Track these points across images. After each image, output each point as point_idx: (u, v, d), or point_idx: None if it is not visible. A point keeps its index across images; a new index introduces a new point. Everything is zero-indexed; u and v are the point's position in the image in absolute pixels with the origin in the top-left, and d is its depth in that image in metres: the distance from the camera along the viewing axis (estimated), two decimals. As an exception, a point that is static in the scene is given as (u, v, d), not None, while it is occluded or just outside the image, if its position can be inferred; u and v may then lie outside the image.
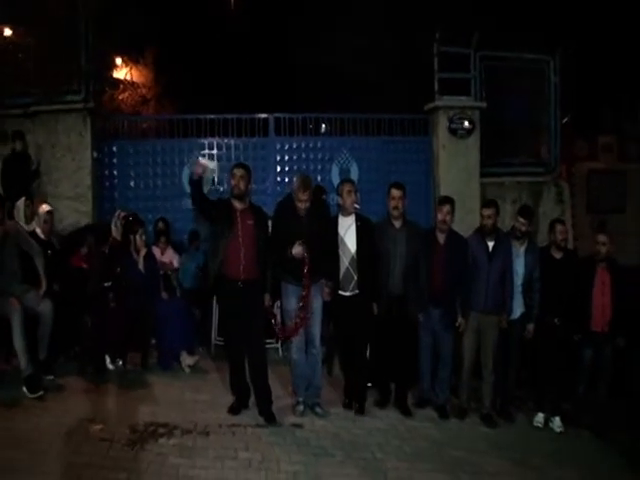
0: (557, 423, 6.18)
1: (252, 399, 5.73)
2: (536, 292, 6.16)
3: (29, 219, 6.73)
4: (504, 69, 9.70)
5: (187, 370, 6.74)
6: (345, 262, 5.81)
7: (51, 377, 6.14)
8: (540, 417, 6.25)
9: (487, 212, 6.12)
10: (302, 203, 5.56)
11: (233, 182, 5.51)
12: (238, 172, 5.53)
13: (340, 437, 5.40)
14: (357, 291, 5.83)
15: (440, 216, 6.06)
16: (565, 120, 11.53)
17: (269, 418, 5.50)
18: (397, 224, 6.00)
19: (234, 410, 5.67)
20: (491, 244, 6.08)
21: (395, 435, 5.56)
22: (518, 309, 6.19)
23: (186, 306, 7.25)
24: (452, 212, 6.09)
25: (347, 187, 5.91)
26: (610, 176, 12.65)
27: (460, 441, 5.64)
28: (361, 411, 5.92)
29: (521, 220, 6.22)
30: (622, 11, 14.05)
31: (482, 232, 6.15)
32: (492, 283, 6.02)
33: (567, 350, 6.21)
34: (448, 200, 6.21)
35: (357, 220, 5.87)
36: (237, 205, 5.54)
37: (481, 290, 6.02)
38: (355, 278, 5.81)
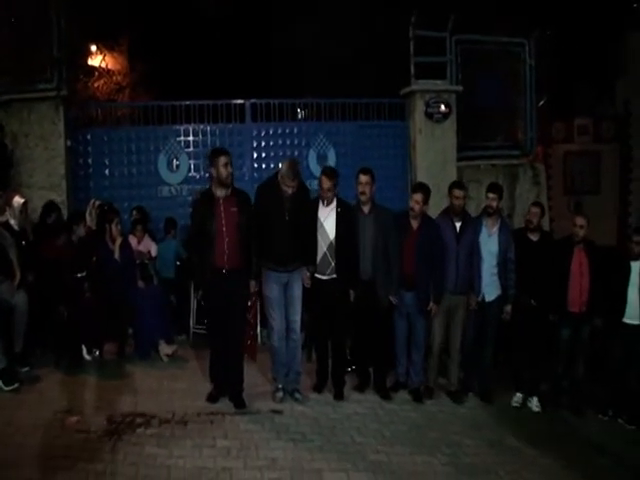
0: (535, 403, 6.28)
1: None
2: (511, 272, 6.22)
3: (2, 210, 6.62)
4: (480, 52, 9.66)
5: (165, 359, 6.71)
6: (323, 247, 5.81)
7: (27, 369, 6.09)
8: (518, 397, 6.34)
9: (458, 193, 6.18)
10: (289, 188, 5.51)
11: (226, 171, 5.37)
12: (227, 159, 5.40)
13: (319, 422, 5.42)
14: (334, 276, 5.84)
15: (410, 203, 6.09)
16: (541, 103, 11.56)
17: (239, 404, 5.52)
18: (365, 209, 6.01)
19: (212, 398, 5.65)
20: (458, 225, 6.15)
21: (374, 419, 5.60)
22: (494, 291, 6.24)
23: (163, 295, 7.21)
24: (426, 200, 6.09)
25: (325, 182, 5.80)
26: (586, 158, 12.75)
27: (438, 423, 5.70)
28: (340, 396, 5.95)
29: (491, 195, 6.30)
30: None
31: (450, 213, 6.21)
32: (461, 263, 6.10)
33: (544, 330, 6.28)
34: (420, 188, 6.21)
35: (338, 206, 5.86)
36: (219, 193, 5.45)
37: (451, 270, 6.09)
38: (332, 264, 5.82)
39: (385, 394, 6.10)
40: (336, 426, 5.37)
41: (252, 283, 5.66)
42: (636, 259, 6.17)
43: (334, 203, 5.87)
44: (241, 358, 5.66)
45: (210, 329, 5.93)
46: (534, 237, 6.31)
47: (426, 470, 4.79)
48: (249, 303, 6.02)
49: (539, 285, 6.14)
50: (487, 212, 6.31)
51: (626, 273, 6.17)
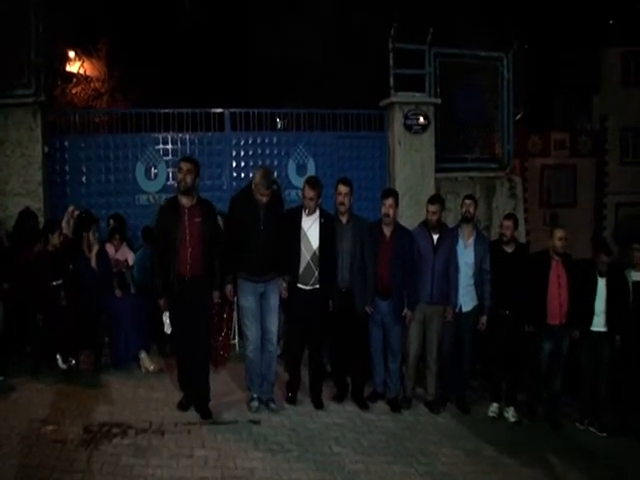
0: (511, 413, 6.32)
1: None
2: (486, 284, 6.28)
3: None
4: (458, 66, 9.78)
5: (144, 371, 6.63)
6: (307, 257, 5.81)
7: (2, 378, 5.98)
8: (495, 407, 6.38)
9: (432, 208, 6.21)
10: (263, 197, 5.48)
11: (179, 176, 5.36)
12: (185, 166, 5.36)
13: (297, 432, 5.40)
14: (317, 286, 5.84)
15: (383, 209, 6.10)
16: (518, 116, 11.72)
17: (205, 414, 5.46)
18: (343, 219, 6.03)
19: (183, 406, 5.62)
20: (436, 237, 6.20)
21: (352, 429, 5.60)
22: (471, 301, 6.29)
23: (141, 303, 7.11)
24: (396, 205, 6.14)
25: (308, 192, 5.79)
26: (562, 171, 12.94)
27: (416, 433, 5.72)
28: (319, 404, 5.95)
29: (467, 202, 6.45)
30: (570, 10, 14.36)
31: (427, 226, 6.25)
32: (437, 275, 6.15)
33: (520, 341, 6.33)
34: (391, 193, 6.27)
35: (321, 217, 5.87)
36: (184, 202, 5.40)
37: (427, 281, 6.14)
38: (316, 274, 5.81)
39: (363, 404, 6.10)
40: (314, 436, 5.36)
41: (215, 293, 5.58)
42: (602, 276, 6.35)
43: (317, 213, 5.87)
44: (207, 368, 5.62)
45: (175, 337, 5.84)
46: (509, 249, 6.38)
47: (403, 480, 4.80)
48: (224, 315, 5.96)
49: (514, 296, 6.20)
50: (465, 218, 6.41)
51: (594, 286, 6.30)
